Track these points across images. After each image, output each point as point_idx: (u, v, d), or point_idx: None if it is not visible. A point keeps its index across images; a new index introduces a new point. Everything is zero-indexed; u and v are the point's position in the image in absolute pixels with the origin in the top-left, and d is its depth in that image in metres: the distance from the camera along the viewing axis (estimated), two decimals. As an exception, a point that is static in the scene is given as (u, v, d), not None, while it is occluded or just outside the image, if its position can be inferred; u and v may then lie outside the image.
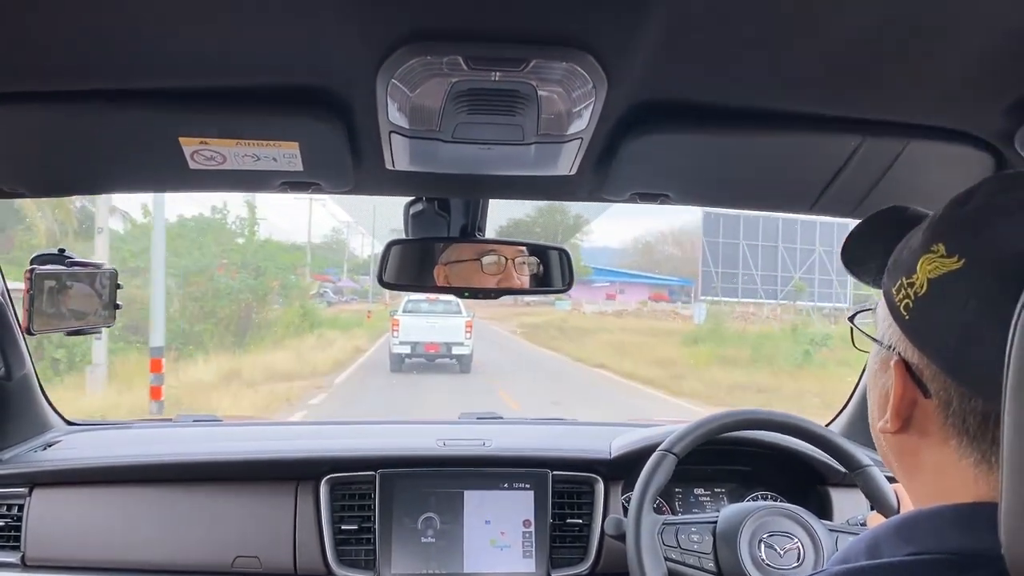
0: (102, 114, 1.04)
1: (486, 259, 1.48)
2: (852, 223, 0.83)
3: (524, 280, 1.52)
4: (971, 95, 1.00)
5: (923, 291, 0.59)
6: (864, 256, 0.73)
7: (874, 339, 0.68)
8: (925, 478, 0.63)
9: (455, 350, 14.17)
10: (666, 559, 1.39)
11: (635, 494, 1.43)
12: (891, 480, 1.42)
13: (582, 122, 1.01)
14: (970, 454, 0.58)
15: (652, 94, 1.01)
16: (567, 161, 1.16)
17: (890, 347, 0.63)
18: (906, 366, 0.61)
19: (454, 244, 1.50)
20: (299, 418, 8.82)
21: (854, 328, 0.74)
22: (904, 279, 0.61)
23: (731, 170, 1.23)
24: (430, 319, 14.33)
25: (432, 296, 15.74)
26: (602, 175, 1.24)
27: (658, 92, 1.01)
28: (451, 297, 15.35)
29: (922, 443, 0.62)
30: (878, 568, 0.58)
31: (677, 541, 1.42)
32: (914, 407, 0.62)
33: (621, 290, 46.66)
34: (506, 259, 1.49)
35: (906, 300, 0.60)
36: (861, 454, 1.46)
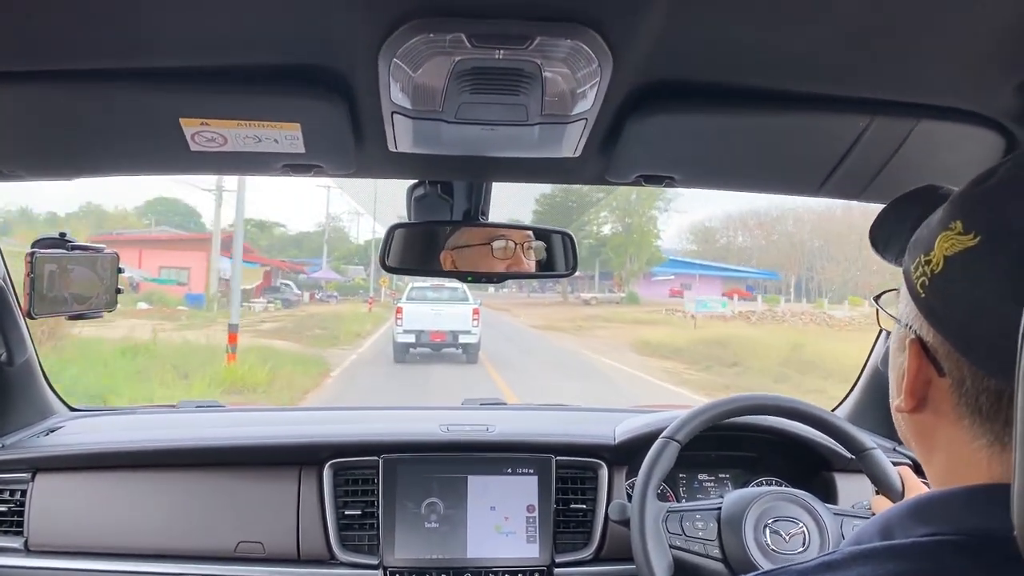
0: (102, 94, 1.02)
1: (496, 243, 1.47)
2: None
3: (531, 265, 1.51)
4: (982, 74, 0.99)
5: (939, 269, 0.58)
6: (891, 236, 0.72)
7: (893, 317, 0.67)
8: (941, 458, 0.63)
9: (462, 339, 13.99)
10: (671, 546, 1.39)
11: (638, 482, 1.43)
12: (896, 464, 1.41)
13: (587, 102, 1.00)
14: (983, 434, 0.58)
15: (658, 74, 1.00)
16: (571, 143, 1.14)
17: (907, 325, 0.63)
18: (921, 344, 0.61)
19: (462, 229, 1.49)
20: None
21: (878, 309, 0.74)
22: (922, 257, 0.61)
23: (737, 151, 1.22)
24: (436, 307, 14.21)
25: (437, 282, 15.67)
26: (607, 157, 1.23)
27: (664, 72, 0.99)
28: (457, 284, 15.34)
29: (937, 423, 0.62)
30: (890, 549, 0.58)
31: (682, 528, 1.42)
32: (928, 386, 0.61)
33: (687, 285, 40.00)
34: (515, 244, 1.48)
35: (922, 278, 0.60)
36: (865, 437, 1.45)
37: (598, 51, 0.88)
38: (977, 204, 0.58)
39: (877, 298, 0.75)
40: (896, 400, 0.65)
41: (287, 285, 31.63)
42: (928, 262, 0.59)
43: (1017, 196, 0.56)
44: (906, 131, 1.11)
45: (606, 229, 43.63)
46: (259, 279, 29.08)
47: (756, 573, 0.65)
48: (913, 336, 0.62)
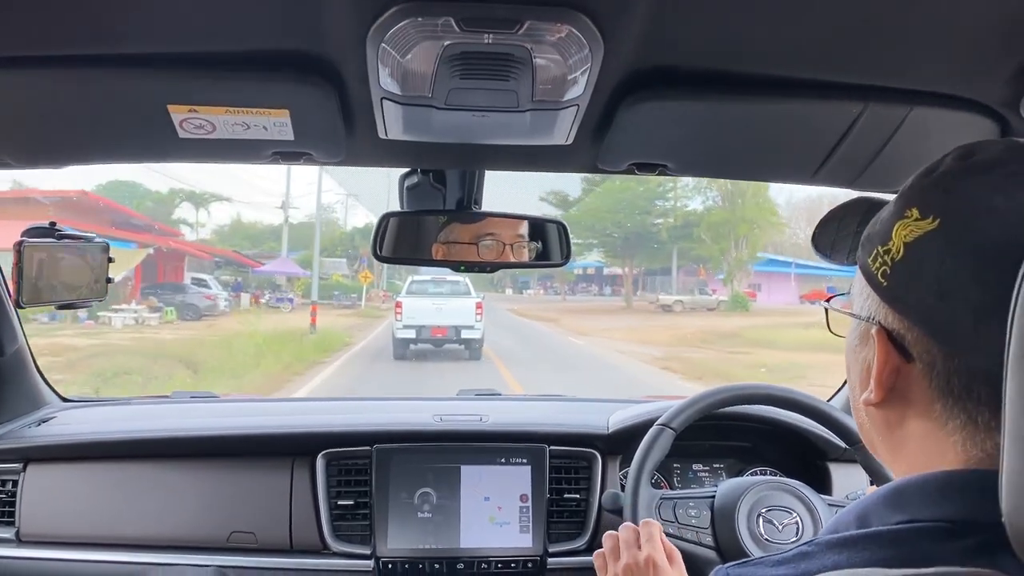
0: (88, 80, 1.01)
1: (483, 243, 1.46)
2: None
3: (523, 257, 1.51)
4: (976, 60, 0.98)
5: (900, 256, 0.59)
6: (836, 240, 0.75)
7: (852, 315, 0.68)
8: (911, 449, 0.63)
9: (464, 334, 13.67)
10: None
11: (632, 468, 1.43)
12: None
13: (578, 88, 0.99)
14: (957, 415, 0.58)
15: (649, 60, 0.99)
16: (563, 130, 1.14)
17: (869, 318, 0.64)
18: (887, 334, 0.62)
19: (452, 225, 1.48)
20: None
21: (829, 311, 0.75)
22: (880, 248, 0.62)
23: (731, 139, 1.21)
24: (436, 301, 13.93)
25: (438, 275, 15.49)
26: (599, 144, 1.22)
27: (655, 58, 0.99)
28: (459, 277, 15.16)
29: (907, 412, 0.62)
30: (868, 537, 0.58)
31: (675, 515, 1.42)
32: (897, 375, 0.62)
33: (755, 285, 34.01)
34: (503, 244, 1.47)
35: (883, 267, 0.61)
36: None
37: (589, 36, 0.87)
38: (931, 190, 0.59)
39: (828, 300, 0.76)
40: (862, 395, 0.65)
41: (200, 282, 21.87)
42: (887, 251, 0.60)
43: (969, 179, 0.58)
44: (900, 118, 1.11)
45: (695, 203, 32.97)
46: (133, 264, 18.08)
47: (735, 562, 0.65)
48: (878, 326, 0.62)
